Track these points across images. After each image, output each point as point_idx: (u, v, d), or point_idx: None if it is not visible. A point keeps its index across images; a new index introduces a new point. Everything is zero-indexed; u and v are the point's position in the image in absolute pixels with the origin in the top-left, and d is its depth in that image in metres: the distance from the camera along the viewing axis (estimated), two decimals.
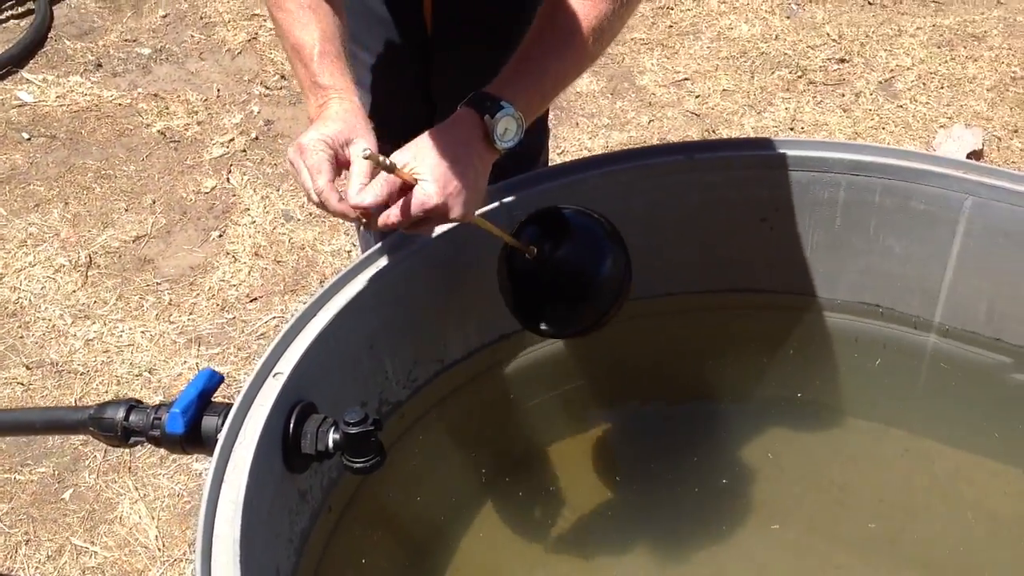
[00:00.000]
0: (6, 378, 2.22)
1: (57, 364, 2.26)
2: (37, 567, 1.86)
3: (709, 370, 1.78)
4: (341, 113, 1.26)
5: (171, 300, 2.43)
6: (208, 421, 1.31)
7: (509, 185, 1.58)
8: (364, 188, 1.21)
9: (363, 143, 1.24)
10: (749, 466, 1.68)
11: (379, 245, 1.53)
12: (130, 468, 2.03)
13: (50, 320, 2.37)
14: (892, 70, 3.10)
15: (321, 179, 1.20)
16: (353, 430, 1.27)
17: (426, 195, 1.21)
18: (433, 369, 1.63)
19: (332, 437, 1.30)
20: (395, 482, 1.58)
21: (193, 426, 1.31)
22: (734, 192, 1.66)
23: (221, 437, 1.22)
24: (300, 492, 1.37)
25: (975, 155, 2.68)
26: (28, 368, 2.24)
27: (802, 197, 1.65)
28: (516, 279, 1.44)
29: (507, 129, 1.25)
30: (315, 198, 1.22)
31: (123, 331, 2.34)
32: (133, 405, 1.38)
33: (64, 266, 2.52)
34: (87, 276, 2.50)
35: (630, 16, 1.38)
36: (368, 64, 1.76)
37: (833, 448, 1.71)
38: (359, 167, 1.23)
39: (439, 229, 1.41)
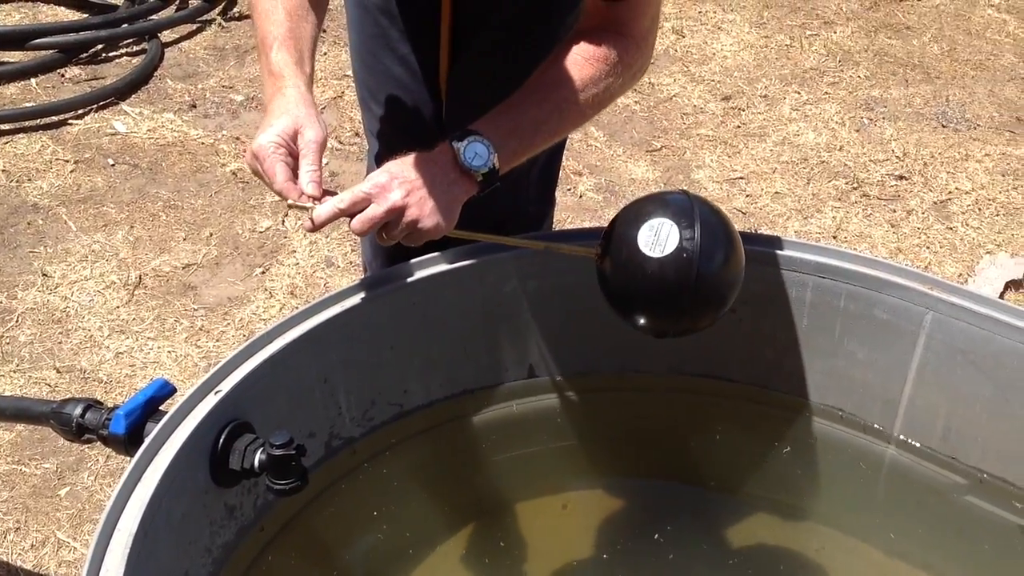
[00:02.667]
0: (36, 378, 2.37)
1: (85, 371, 2.40)
2: (20, 554, 1.98)
3: (671, 452, 1.80)
4: (290, 105, 1.31)
5: (203, 326, 2.56)
6: (150, 427, 1.40)
7: (486, 247, 1.65)
8: (312, 179, 1.28)
9: (312, 132, 1.29)
10: (694, 551, 1.68)
11: (354, 283, 1.61)
12: None
13: (89, 331, 2.52)
14: (950, 192, 3.08)
15: (277, 181, 1.27)
16: (277, 452, 1.34)
17: (378, 176, 1.28)
18: (391, 412, 1.69)
19: (259, 457, 1.37)
20: (336, 516, 1.64)
21: (135, 430, 1.40)
22: None
23: (147, 439, 1.31)
24: (228, 507, 1.45)
25: (1014, 284, 2.65)
26: (58, 372, 2.39)
27: (771, 293, 1.67)
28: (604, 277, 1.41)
29: (476, 154, 1.31)
30: (278, 195, 1.30)
31: (152, 349, 2.47)
32: (91, 404, 1.48)
33: (115, 283, 2.69)
34: (133, 295, 2.65)
35: (628, 88, 1.45)
36: (380, 117, 1.86)
37: (783, 547, 1.70)
38: (307, 157, 1.29)
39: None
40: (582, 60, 1.38)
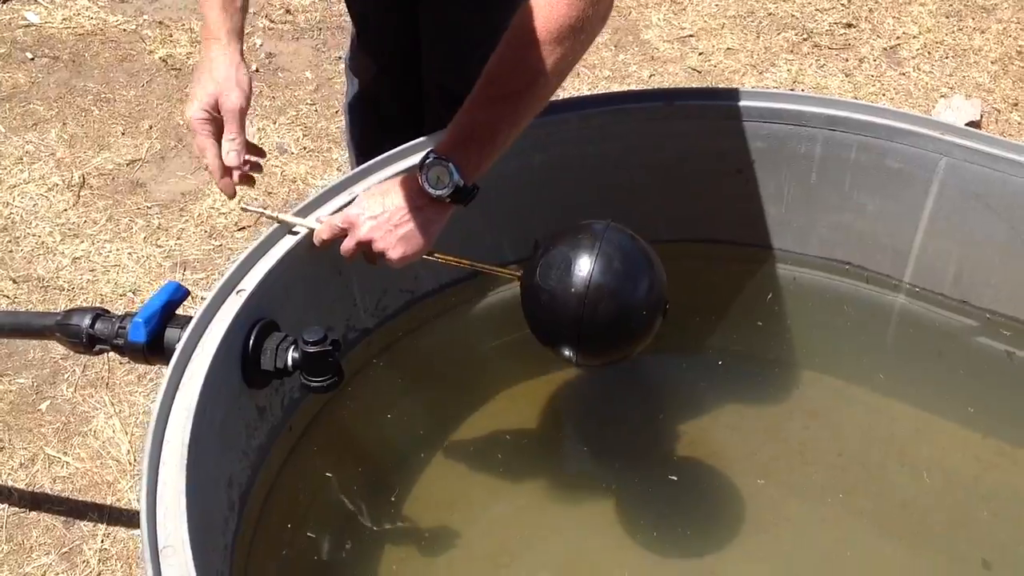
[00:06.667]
0: None
1: (43, 279, 2.28)
2: (9, 473, 1.90)
3: (679, 319, 1.77)
4: (213, 67, 1.36)
5: (160, 224, 2.45)
6: (171, 332, 1.33)
7: None
8: (232, 148, 1.37)
9: (232, 99, 1.35)
10: (709, 416, 1.69)
11: (355, 171, 1.54)
12: (107, 384, 2.06)
13: (39, 237, 2.39)
14: (898, 37, 3.08)
15: (208, 160, 1.38)
16: (311, 349, 1.29)
17: (351, 210, 1.34)
18: (403, 300, 1.65)
19: (291, 355, 1.32)
20: (358, 409, 1.61)
21: (156, 336, 1.33)
22: (711, 142, 1.67)
23: (179, 347, 1.25)
24: (259, 408, 1.40)
25: (972, 126, 2.68)
26: (14, 282, 2.27)
27: (779, 150, 1.65)
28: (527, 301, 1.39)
29: (438, 178, 1.30)
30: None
31: (110, 251, 2.36)
32: (100, 313, 1.40)
33: (57, 185, 2.54)
34: (79, 196, 2.52)
35: (593, 38, 1.34)
36: None
37: (795, 402, 1.73)
38: (229, 125, 1.36)
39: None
40: (525, 40, 1.27)
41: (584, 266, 1.30)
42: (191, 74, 1.32)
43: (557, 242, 1.36)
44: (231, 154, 1.37)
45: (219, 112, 1.36)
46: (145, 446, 1.14)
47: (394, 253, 1.33)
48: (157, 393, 1.19)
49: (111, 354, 1.96)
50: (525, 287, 1.38)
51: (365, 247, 1.34)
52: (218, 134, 1.38)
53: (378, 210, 1.33)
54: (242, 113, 1.37)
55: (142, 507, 1.08)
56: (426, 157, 1.30)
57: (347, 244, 1.35)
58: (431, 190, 1.30)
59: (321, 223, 1.37)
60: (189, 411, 1.17)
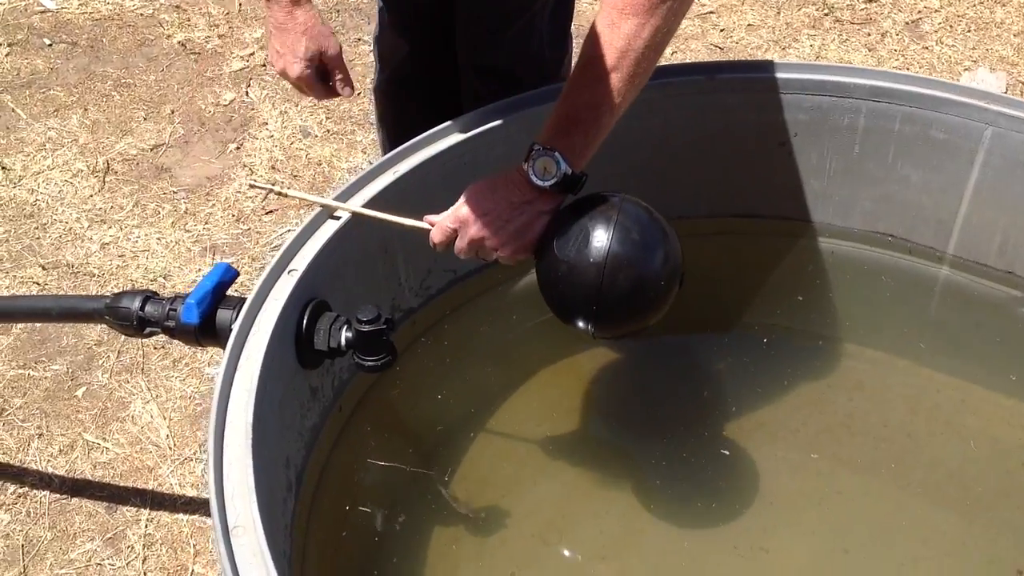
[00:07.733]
0: (22, 277, 2.24)
1: (73, 266, 2.28)
2: (49, 460, 1.90)
3: (720, 295, 1.78)
4: (309, 26, 1.45)
5: (187, 209, 2.44)
6: (222, 314, 1.33)
7: (523, 100, 1.58)
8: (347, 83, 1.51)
9: (332, 49, 1.47)
10: (756, 390, 1.69)
11: (395, 151, 1.54)
12: (143, 369, 2.06)
13: (67, 223, 2.39)
14: (920, 11, 3.06)
15: (318, 97, 1.54)
16: (365, 328, 1.29)
17: (460, 210, 1.32)
18: (447, 279, 1.64)
19: (344, 335, 1.32)
20: (405, 387, 1.61)
21: (207, 318, 1.33)
22: (753, 115, 1.66)
23: (235, 327, 1.24)
24: (312, 388, 1.40)
25: None
26: (44, 268, 2.26)
27: (822, 123, 1.64)
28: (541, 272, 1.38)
29: (545, 169, 1.29)
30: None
31: (139, 237, 2.36)
32: (149, 296, 1.40)
33: (82, 171, 2.54)
34: (104, 182, 2.51)
35: (683, 12, 1.33)
36: None
37: (841, 375, 1.72)
38: (337, 69, 1.49)
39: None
40: (617, 15, 1.26)
41: (602, 237, 1.28)
42: (266, 35, 1.48)
43: (571, 215, 1.33)
44: (347, 89, 1.51)
45: (320, 63, 1.48)
46: (210, 426, 1.13)
47: (506, 249, 1.32)
48: (217, 375, 1.19)
49: (143, 340, 1.97)
50: (541, 260, 1.35)
51: (477, 245, 1.32)
52: (322, 77, 1.50)
53: (488, 207, 1.31)
54: (341, 55, 1.50)
55: (211, 487, 1.08)
56: (531, 149, 1.29)
57: (460, 244, 1.33)
58: (538, 181, 1.29)
59: (432, 225, 1.35)
60: (250, 391, 1.17)
